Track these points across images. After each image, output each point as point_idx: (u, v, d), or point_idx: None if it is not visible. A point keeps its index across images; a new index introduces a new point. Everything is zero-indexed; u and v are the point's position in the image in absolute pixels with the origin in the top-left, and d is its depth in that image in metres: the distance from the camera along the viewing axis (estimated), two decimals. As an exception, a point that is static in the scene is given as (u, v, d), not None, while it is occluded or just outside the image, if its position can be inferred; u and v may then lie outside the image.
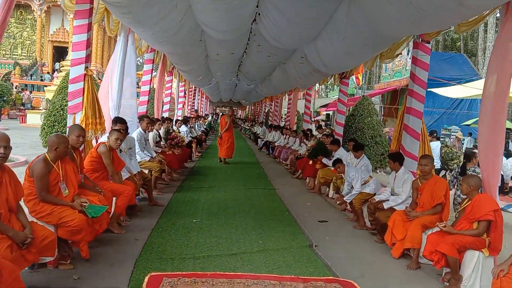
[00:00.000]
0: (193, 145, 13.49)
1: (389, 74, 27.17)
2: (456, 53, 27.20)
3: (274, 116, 21.67)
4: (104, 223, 4.54)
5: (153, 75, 14.59)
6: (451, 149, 12.59)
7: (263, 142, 18.35)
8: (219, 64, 14.25)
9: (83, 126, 6.05)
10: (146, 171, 7.63)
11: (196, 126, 17.48)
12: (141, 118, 7.72)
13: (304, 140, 11.64)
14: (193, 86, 21.22)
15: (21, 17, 36.19)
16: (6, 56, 36.30)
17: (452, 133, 21.33)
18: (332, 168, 8.69)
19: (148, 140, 7.91)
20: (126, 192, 5.41)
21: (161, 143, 9.37)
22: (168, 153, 9.13)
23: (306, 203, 8.08)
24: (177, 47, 9.01)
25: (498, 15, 4.66)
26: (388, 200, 6.04)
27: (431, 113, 23.55)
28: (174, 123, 11.26)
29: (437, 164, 11.16)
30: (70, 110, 6.19)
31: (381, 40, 6.30)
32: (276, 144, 15.33)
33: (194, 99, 22.33)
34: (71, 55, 6.23)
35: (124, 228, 5.61)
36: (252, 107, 40.23)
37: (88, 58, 6.22)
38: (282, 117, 22.30)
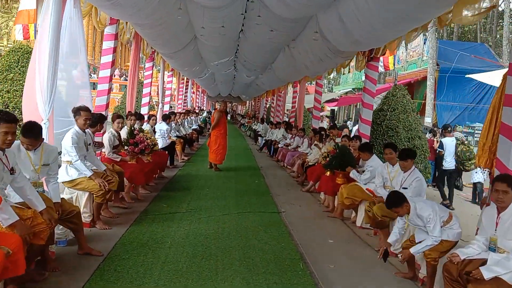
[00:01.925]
0: (178, 147, 10.74)
1: (402, 66, 24.34)
2: (478, 43, 24.37)
3: (276, 111, 18.91)
4: None
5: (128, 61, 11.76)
6: (468, 146, 10.15)
7: (264, 141, 15.59)
8: (210, 47, 11.52)
9: None
10: (84, 199, 4.92)
11: (186, 122, 14.72)
12: (77, 112, 4.98)
13: (317, 143, 8.89)
14: (185, 78, 18.44)
15: (7, 5, 33.28)
16: (-9, 47, 33.52)
17: (477, 132, 18.49)
18: (365, 187, 5.98)
19: (90, 144, 5.17)
20: (-8, 258, 2.68)
21: (125, 148, 6.63)
22: (131, 163, 6.40)
23: (327, 240, 5.34)
24: (142, 15, 6.25)
25: None
26: (485, 259, 3.33)
27: (451, 108, 20.80)
28: (147, 119, 8.52)
29: (451, 164, 9.06)
30: None
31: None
32: (279, 146, 12.57)
33: (187, 92, 19.56)
34: None
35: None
36: (253, 103, 37.44)
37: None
38: (285, 113, 19.55)
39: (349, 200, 6.18)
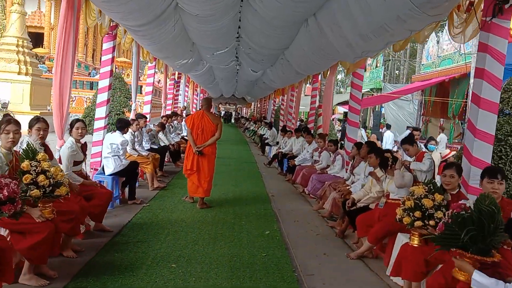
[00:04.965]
0: (148, 167, 6.91)
1: (432, 62, 20.35)
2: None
3: (287, 114, 15.03)
4: None
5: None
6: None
7: (273, 154, 11.77)
8: (197, 21, 7.72)
9: None
10: None
11: (172, 129, 10.92)
12: None
13: (373, 171, 5.02)
14: (177, 72, 14.64)
15: None
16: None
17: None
18: None
19: None
20: None
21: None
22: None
23: None
24: None
25: None
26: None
27: None
28: (69, 128, 4.57)
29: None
30: None
31: None
32: (296, 163, 8.71)
33: (178, 90, 15.72)
34: None
35: None
36: (259, 104, 33.58)
37: None
38: (299, 118, 15.69)
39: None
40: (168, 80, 13.71)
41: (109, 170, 5.72)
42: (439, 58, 19.57)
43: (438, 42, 20.00)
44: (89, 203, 4.29)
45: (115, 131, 6.13)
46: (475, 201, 2.66)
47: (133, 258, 3.99)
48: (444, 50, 19.20)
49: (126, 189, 6.15)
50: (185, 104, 18.76)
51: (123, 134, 6.06)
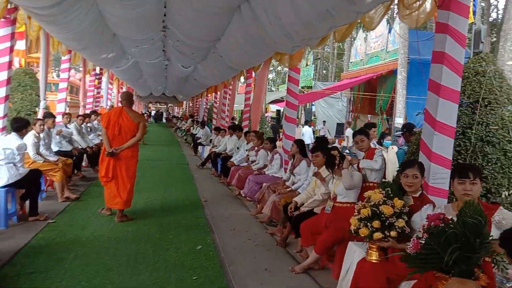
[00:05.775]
0: (56, 175, 5.78)
1: (360, 60, 20.62)
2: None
3: (220, 112, 14.25)
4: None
5: None
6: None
7: (207, 154, 10.95)
8: (116, 6, 6.73)
9: None
10: None
11: (91, 129, 9.68)
12: None
13: (318, 171, 4.43)
14: (98, 68, 13.23)
15: None
16: None
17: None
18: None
19: None
20: None
21: None
22: None
23: None
24: None
25: None
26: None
27: (417, 106, 17.36)
28: None
29: None
30: None
31: None
32: (236, 163, 7.95)
33: (100, 87, 14.27)
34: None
35: None
36: (191, 103, 32.41)
37: None
38: (234, 116, 14.99)
39: None
40: (88, 76, 12.36)
41: (1, 181, 4.59)
42: (367, 56, 19.86)
43: (365, 39, 20.34)
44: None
45: (10, 133, 4.97)
46: (459, 211, 2.10)
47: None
48: (372, 48, 19.51)
49: (27, 203, 5.02)
50: (111, 103, 17.27)
51: (20, 137, 4.93)
